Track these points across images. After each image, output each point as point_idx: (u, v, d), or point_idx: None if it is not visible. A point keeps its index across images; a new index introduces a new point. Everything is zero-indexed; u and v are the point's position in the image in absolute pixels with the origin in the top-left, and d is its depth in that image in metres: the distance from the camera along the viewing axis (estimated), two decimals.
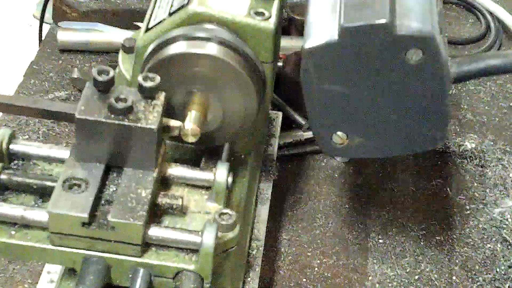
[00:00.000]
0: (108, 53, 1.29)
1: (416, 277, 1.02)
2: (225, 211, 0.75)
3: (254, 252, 0.96)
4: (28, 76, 1.26)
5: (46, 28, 1.37)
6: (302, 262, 1.03)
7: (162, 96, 0.74)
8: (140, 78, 0.74)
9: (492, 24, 1.44)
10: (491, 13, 1.46)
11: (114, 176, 0.74)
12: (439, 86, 0.81)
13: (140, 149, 0.73)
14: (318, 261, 1.03)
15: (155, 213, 0.75)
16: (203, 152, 0.90)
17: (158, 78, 0.74)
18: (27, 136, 1.15)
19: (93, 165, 0.74)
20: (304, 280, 1.01)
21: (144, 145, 0.73)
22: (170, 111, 0.81)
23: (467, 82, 1.32)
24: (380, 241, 1.06)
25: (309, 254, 1.04)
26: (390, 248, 1.05)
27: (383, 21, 0.77)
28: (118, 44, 0.94)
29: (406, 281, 1.01)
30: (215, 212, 0.75)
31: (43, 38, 1.36)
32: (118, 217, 0.70)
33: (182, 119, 0.79)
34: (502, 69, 0.83)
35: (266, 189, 1.03)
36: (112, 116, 0.72)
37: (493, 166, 1.17)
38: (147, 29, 0.85)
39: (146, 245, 0.72)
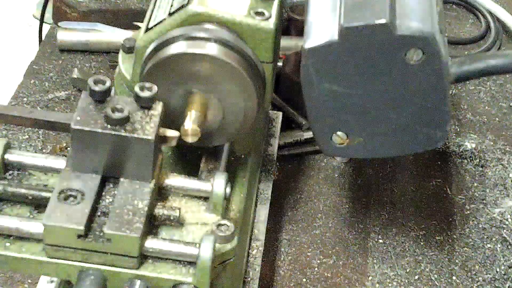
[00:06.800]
0: (108, 53, 1.29)
1: (416, 277, 1.02)
2: (223, 222, 0.75)
3: (254, 252, 0.96)
4: (28, 76, 1.26)
5: (46, 28, 1.38)
6: (302, 262, 1.03)
7: (159, 106, 0.74)
8: (137, 88, 0.73)
9: (492, 24, 1.44)
10: (491, 13, 1.46)
11: (110, 187, 0.74)
12: (439, 86, 0.81)
13: (136, 160, 0.72)
14: (318, 261, 1.03)
15: (152, 225, 0.74)
16: (203, 152, 0.90)
17: (155, 88, 0.73)
18: (27, 136, 1.15)
19: (89, 176, 0.73)
20: (304, 280, 1.01)
21: (141, 156, 0.72)
22: (170, 111, 0.81)
23: (467, 82, 1.32)
24: (380, 241, 1.06)
25: (309, 254, 1.04)
26: (390, 248, 1.05)
27: (383, 21, 0.77)
28: (118, 44, 0.94)
29: (406, 281, 1.01)
30: (213, 223, 0.75)
31: (43, 38, 1.36)
32: (114, 229, 0.69)
33: (182, 119, 0.79)
34: (502, 69, 0.83)
35: (266, 189, 1.03)
36: (109, 126, 0.71)
37: (493, 166, 1.17)
38: (147, 29, 0.85)
39: (143, 257, 0.72)
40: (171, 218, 0.74)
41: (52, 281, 0.88)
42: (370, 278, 1.01)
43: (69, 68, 1.27)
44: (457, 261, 1.04)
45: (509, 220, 1.09)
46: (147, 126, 0.72)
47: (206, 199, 0.77)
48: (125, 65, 0.90)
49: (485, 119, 1.26)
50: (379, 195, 1.12)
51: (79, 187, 0.72)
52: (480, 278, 1.02)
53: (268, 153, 1.06)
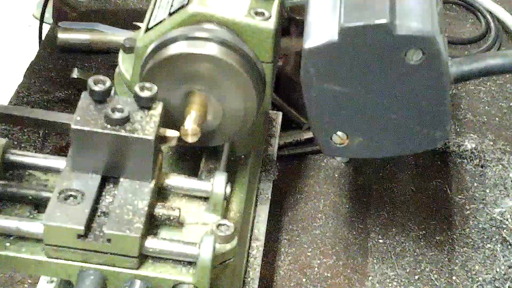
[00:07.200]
0: (108, 53, 1.29)
1: (416, 277, 1.02)
2: (223, 222, 0.75)
3: (254, 252, 0.96)
4: (28, 76, 1.26)
5: (46, 28, 1.37)
6: (302, 262, 1.03)
7: (159, 106, 0.74)
8: (137, 88, 0.73)
9: (492, 24, 1.44)
10: (491, 13, 1.46)
11: (110, 187, 0.74)
12: (439, 86, 0.81)
13: (136, 160, 0.72)
14: (318, 261, 1.03)
15: (152, 225, 0.74)
16: (203, 152, 0.90)
17: (155, 88, 0.73)
18: (27, 136, 1.15)
19: (89, 176, 0.73)
20: (304, 280, 1.01)
21: (141, 156, 0.72)
22: (170, 111, 0.81)
23: (467, 82, 1.32)
24: (380, 241, 1.06)
25: (309, 254, 1.04)
26: (390, 248, 1.05)
27: (383, 21, 0.77)
28: (118, 44, 0.94)
29: (406, 281, 1.01)
30: (213, 223, 0.75)
31: (43, 38, 1.36)
32: (114, 229, 0.69)
33: (182, 119, 0.79)
34: (502, 69, 0.83)
35: (266, 189, 1.03)
36: (108, 126, 0.71)
37: (493, 166, 1.17)
38: (147, 29, 0.85)
39: (143, 257, 0.72)
40: (171, 218, 0.74)
41: (52, 281, 0.88)
42: (370, 278, 1.01)
43: (69, 68, 1.27)
44: (457, 261, 1.04)
45: (509, 220, 1.09)
46: (147, 126, 0.72)
47: (206, 199, 0.77)
48: (125, 65, 0.90)
49: (485, 119, 1.26)
50: (379, 195, 1.12)
51: (79, 187, 0.72)
52: (480, 278, 1.02)
53: (268, 153, 1.06)
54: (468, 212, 1.11)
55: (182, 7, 0.83)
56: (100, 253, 0.70)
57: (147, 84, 0.73)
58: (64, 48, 1.30)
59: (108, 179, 0.74)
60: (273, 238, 1.04)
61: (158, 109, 0.73)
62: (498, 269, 1.03)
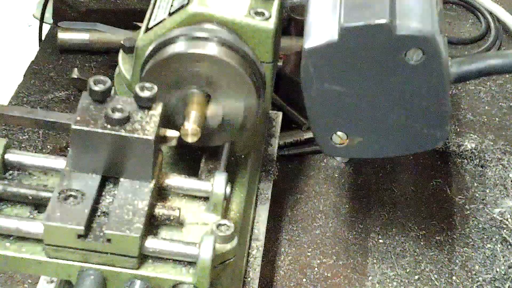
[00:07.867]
0: (108, 53, 1.29)
1: (416, 277, 1.02)
2: (223, 222, 0.75)
3: (254, 252, 0.96)
4: (28, 76, 1.26)
5: (46, 28, 1.37)
6: (302, 262, 1.03)
7: (159, 107, 0.74)
8: (137, 88, 0.73)
9: (492, 24, 1.44)
10: (491, 13, 1.46)
11: (110, 187, 0.74)
12: (439, 86, 0.81)
13: (136, 160, 0.72)
14: (318, 261, 1.03)
15: (152, 225, 0.74)
16: (203, 152, 0.90)
17: (155, 88, 0.73)
18: (27, 136, 1.15)
19: (89, 176, 0.73)
20: (304, 280, 1.01)
21: (141, 156, 0.72)
22: (170, 111, 0.81)
23: (467, 82, 1.32)
24: (380, 241, 1.06)
25: (309, 254, 1.04)
26: (390, 248, 1.05)
27: (383, 21, 0.77)
28: (118, 44, 0.94)
29: (406, 281, 1.01)
30: (213, 223, 0.75)
31: (43, 38, 1.36)
32: (114, 229, 0.69)
33: (182, 119, 0.79)
34: (502, 69, 0.83)
35: (266, 189, 1.03)
36: (109, 126, 0.71)
37: (493, 166, 1.17)
38: (147, 29, 0.85)
39: (143, 257, 0.72)
40: (171, 218, 0.74)
41: (52, 281, 0.88)
42: (370, 278, 1.01)
43: (69, 68, 1.27)
44: (457, 261, 1.04)
45: (509, 220, 1.09)
46: (147, 126, 0.72)
47: (206, 199, 0.77)
48: (125, 65, 0.90)
49: (485, 119, 1.26)
50: (379, 195, 1.12)
51: (79, 187, 0.72)
52: (480, 278, 1.02)
53: (268, 153, 1.06)
54: (468, 212, 1.11)
55: (182, 7, 0.83)
56: (100, 253, 0.70)
57: (147, 84, 0.73)
58: (64, 48, 1.30)
59: (108, 179, 0.74)
60: (273, 238, 1.04)
61: (158, 109, 0.73)
62: (498, 269, 1.03)
